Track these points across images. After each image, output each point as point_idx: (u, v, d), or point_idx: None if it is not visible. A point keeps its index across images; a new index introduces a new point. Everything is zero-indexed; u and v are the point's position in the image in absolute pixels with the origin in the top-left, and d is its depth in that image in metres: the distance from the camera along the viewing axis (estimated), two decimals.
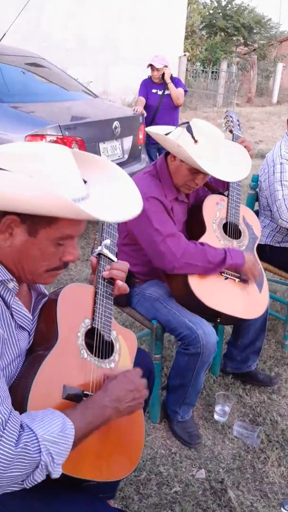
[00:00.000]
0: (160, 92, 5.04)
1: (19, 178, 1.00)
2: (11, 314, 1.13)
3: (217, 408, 2.28)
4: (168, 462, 2.03)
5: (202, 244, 1.98)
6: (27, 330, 1.20)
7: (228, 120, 2.44)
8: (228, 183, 2.23)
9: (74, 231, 1.10)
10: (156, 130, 1.98)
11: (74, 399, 1.14)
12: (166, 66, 4.97)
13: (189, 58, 15.01)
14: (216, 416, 2.28)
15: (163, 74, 4.95)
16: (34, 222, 1.05)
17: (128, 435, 1.31)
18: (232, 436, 2.19)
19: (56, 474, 1.03)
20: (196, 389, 2.09)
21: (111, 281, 1.39)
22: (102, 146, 4.04)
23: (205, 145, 1.85)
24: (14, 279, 1.12)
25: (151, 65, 4.99)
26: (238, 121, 2.46)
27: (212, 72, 15.80)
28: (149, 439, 2.14)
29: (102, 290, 1.36)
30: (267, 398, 2.44)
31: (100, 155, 3.97)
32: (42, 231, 1.07)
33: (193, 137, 1.84)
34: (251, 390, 2.48)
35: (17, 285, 1.14)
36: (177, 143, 1.85)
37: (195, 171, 1.91)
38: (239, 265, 2.01)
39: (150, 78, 5.10)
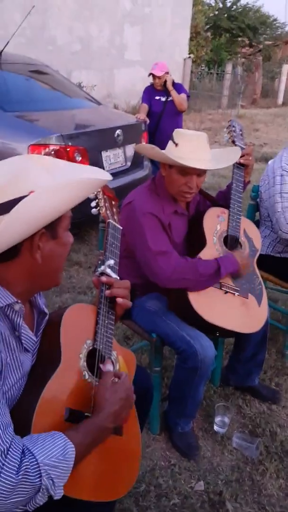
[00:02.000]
0: (163, 99, 5.06)
1: (38, 193, 1.03)
2: (18, 337, 1.15)
3: (217, 419, 2.30)
4: (168, 474, 2.05)
5: (195, 258, 2.00)
6: (30, 352, 1.22)
7: (230, 130, 2.40)
8: (229, 196, 2.23)
9: (69, 212, 1.17)
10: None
11: (76, 421, 1.16)
12: (167, 73, 4.99)
13: (194, 60, 14.98)
14: (215, 427, 2.29)
15: (165, 81, 4.97)
16: (53, 224, 1.10)
17: (124, 454, 1.32)
18: (231, 447, 2.21)
19: (58, 496, 1.05)
20: (195, 402, 2.11)
21: (113, 300, 1.39)
22: (104, 154, 4.07)
23: (185, 146, 1.94)
24: (19, 301, 1.13)
25: (152, 74, 5.02)
26: (241, 131, 2.42)
27: (217, 74, 15.78)
28: (148, 450, 2.16)
29: (104, 310, 1.37)
30: (266, 409, 2.45)
31: (102, 163, 4.00)
32: (58, 227, 1.12)
33: (174, 142, 1.96)
34: (251, 401, 2.50)
35: (23, 306, 1.15)
36: (155, 147, 1.99)
37: (184, 173, 1.96)
38: (235, 271, 2.05)
39: (152, 85, 5.13)
